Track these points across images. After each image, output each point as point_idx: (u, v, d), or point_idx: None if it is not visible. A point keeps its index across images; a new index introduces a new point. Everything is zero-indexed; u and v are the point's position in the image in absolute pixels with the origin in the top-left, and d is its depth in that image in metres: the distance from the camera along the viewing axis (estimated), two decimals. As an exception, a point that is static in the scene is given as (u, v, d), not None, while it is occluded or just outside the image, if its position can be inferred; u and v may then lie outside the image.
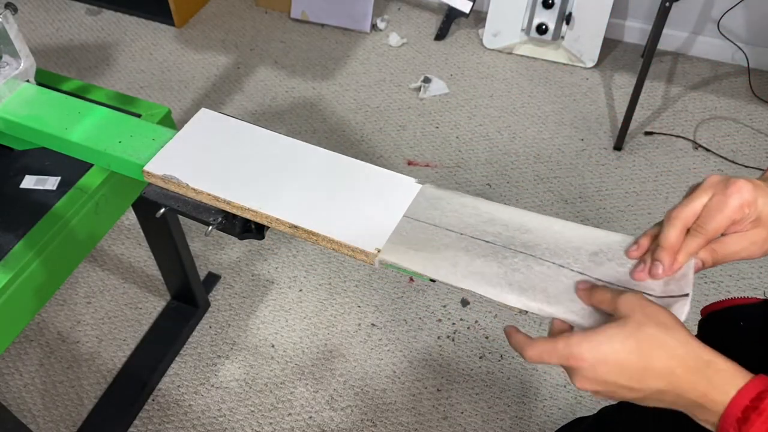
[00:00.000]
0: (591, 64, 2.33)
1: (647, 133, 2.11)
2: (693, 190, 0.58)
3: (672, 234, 0.57)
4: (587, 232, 0.64)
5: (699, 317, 0.83)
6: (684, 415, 0.54)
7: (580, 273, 0.60)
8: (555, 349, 0.53)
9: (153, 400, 1.51)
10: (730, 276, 1.74)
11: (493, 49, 2.41)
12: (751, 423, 0.48)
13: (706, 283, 1.72)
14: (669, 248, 0.57)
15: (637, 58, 2.38)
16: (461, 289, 0.60)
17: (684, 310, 0.55)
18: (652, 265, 0.58)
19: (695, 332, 0.88)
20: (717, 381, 0.50)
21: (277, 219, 0.68)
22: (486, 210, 0.66)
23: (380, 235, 0.66)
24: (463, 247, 0.63)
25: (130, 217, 1.85)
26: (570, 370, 0.53)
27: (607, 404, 1.29)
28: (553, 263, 0.61)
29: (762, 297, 0.81)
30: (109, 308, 1.67)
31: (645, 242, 0.60)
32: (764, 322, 0.76)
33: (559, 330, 0.57)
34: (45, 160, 1.08)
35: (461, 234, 0.64)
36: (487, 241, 0.63)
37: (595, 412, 1.36)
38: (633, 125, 2.10)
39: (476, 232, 0.64)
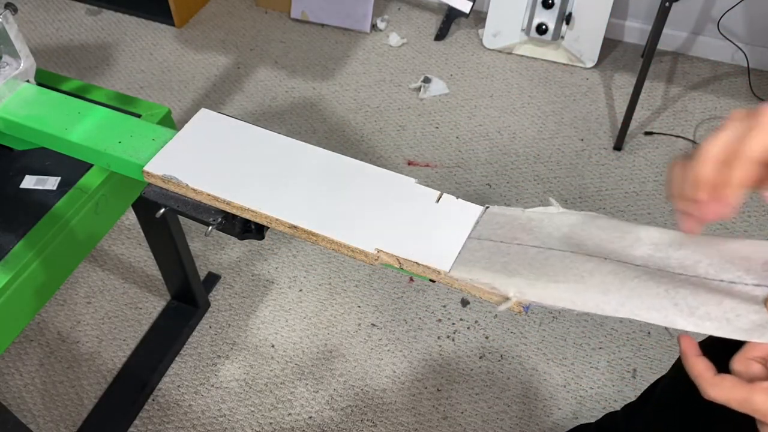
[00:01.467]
0: (591, 64, 2.33)
1: (647, 133, 2.11)
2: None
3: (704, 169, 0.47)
4: (749, 243, 0.53)
5: None
6: (689, 422, 0.52)
7: (757, 285, 0.50)
8: (750, 400, 0.43)
9: (153, 400, 1.51)
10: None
11: (493, 49, 2.41)
12: None
13: None
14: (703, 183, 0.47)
15: (637, 58, 2.38)
16: (619, 318, 0.52)
17: None
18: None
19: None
20: None
21: (277, 219, 0.68)
22: (628, 230, 0.58)
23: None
24: (610, 271, 0.55)
25: (130, 217, 1.85)
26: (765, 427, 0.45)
27: (610, 410, 1.29)
28: (722, 281, 0.51)
29: None
30: (109, 308, 1.67)
31: None
32: None
33: (753, 372, 0.46)
34: (45, 160, 1.08)
35: (605, 258, 0.56)
36: (637, 265, 0.55)
37: (597, 415, 1.37)
38: (633, 125, 2.10)
39: (621, 256, 0.56)
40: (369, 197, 0.70)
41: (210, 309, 1.67)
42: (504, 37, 2.37)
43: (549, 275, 0.57)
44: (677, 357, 0.92)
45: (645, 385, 1.07)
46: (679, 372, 0.90)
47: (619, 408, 1.16)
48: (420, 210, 0.69)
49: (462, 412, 1.50)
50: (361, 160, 0.73)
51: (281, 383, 1.54)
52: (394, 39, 2.43)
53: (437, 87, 2.26)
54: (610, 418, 1.17)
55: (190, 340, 1.61)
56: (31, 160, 1.08)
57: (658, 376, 1.01)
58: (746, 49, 2.28)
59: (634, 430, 1.02)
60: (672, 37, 2.36)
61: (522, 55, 2.39)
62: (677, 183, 0.49)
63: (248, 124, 0.79)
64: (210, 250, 1.80)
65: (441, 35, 2.46)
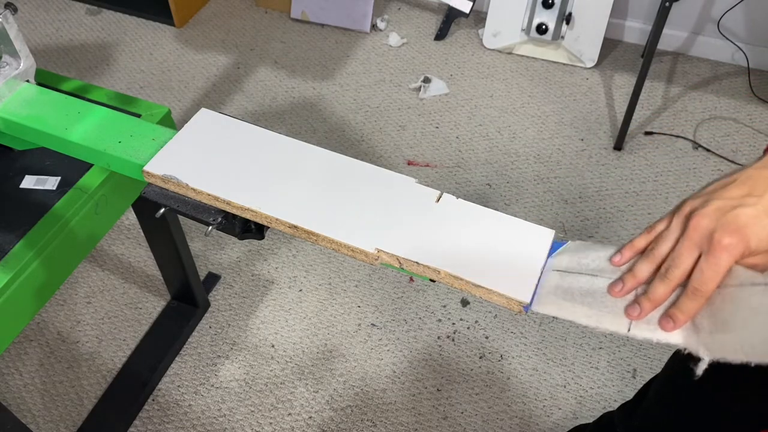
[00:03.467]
0: (591, 64, 2.33)
1: (647, 133, 2.11)
2: (681, 236, 0.54)
3: None
4: None
5: None
6: (683, 419, 0.53)
7: None
8: None
9: (153, 400, 1.51)
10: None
11: (493, 49, 2.41)
12: None
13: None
14: None
15: (637, 58, 2.38)
16: None
17: None
18: None
19: None
20: None
21: (277, 219, 0.68)
22: None
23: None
24: None
25: (130, 217, 1.85)
26: None
27: (609, 410, 1.28)
28: None
29: None
30: (109, 308, 1.67)
31: None
32: None
33: None
34: (45, 160, 1.08)
35: (766, 284, 0.50)
36: None
37: (597, 415, 1.36)
38: (633, 125, 2.10)
39: None
40: (369, 197, 0.70)
41: (210, 309, 1.67)
42: (504, 37, 2.37)
43: (723, 322, 0.51)
44: (671, 355, 0.92)
45: (645, 385, 1.07)
46: (672, 370, 0.90)
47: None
48: (420, 210, 0.69)
49: (462, 412, 1.50)
50: (361, 160, 0.73)
51: (281, 383, 1.54)
52: (394, 39, 2.43)
53: (437, 87, 2.26)
54: (607, 417, 1.17)
55: (190, 340, 1.61)
56: (31, 160, 1.08)
57: (658, 376, 1.01)
58: (746, 49, 2.28)
59: (630, 428, 1.03)
60: (672, 37, 2.36)
61: (522, 55, 2.39)
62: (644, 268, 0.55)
63: (248, 124, 0.79)
64: (210, 250, 1.80)
65: (441, 35, 2.46)
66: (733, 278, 0.52)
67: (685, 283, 0.54)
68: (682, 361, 0.88)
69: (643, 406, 0.97)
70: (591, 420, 1.37)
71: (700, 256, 0.53)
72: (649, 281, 0.56)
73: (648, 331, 0.54)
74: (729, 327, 0.50)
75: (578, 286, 0.59)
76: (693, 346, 0.52)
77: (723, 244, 0.51)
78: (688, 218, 0.54)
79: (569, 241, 0.63)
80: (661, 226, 0.56)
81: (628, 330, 0.55)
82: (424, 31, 2.50)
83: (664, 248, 0.55)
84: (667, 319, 0.53)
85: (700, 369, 0.50)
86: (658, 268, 0.55)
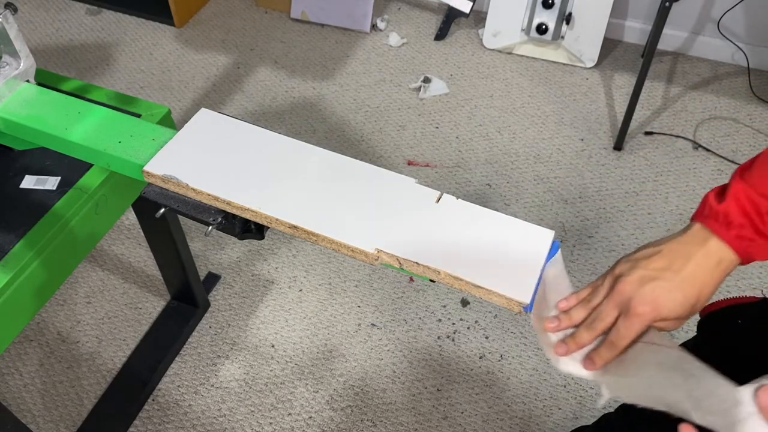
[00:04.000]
0: (591, 64, 2.33)
1: (647, 133, 2.11)
2: (604, 299, 0.62)
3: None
4: None
5: (698, 318, 0.83)
6: (680, 418, 0.54)
7: None
8: None
9: (153, 400, 1.51)
10: (729, 276, 1.73)
11: (493, 49, 2.41)
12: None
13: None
14: None
15: (637, 58, 2.38)
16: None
17: None
18: None
19: (695, 333, 0.88)
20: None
21: (277, 219, 0.68)
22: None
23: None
24: (660, 362, 0.59)
25: (130, 217, 1.85)
26: None
27: (610, 411, 1.28)
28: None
29: (760, 296, 0.82)
30: (109, 308, 1.67)
31: None
32: (762, 321, 0.77)
33: None
34: (45, 160, 1.08)
35: (671, 347, 0.59)
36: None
37: (597, 415, 1.36)
38: (633, 125, 2.10)
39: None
40: (369, 197, 0.70)
41: (210, 309, 1.67)
42: (504, 37, 2.37)
43: (624, 369, 0.60)
44: None
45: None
46: None
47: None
48: (420, 210, 0.69)
49: (462, 412, 1.50)
50: (361, 160, 0.73)
51: (281, 383, 1.54)
52: (394, 39, 2.43)
53: (437, 87, 2.26)
54: (606, 418, 1.17)
55: (190, 340, 1.61)
56: (31, 160, 1.08)
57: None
58: (746, 49, 2.28)
59: (629, 428, 1.03)
60: (672, 37, 2.36)
61: (522, 55, 2.39)
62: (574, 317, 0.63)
63: (248, 124, 0.79)
64: (210, 250, 1.80)
65: (441, 35, 2.46)
66: (642, 335, 0.61)
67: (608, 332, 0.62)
68: None
69: (641, 407, 0.97)
70: (591, 421, 1.37)
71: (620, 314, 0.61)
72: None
73: (572, 366, 0.63)
74: (627, 373, 0.59)
75: (544, 307, 0.65)
76: (599, 382, 0.61)
77: (637, 311, 0.59)
78: (616, 280, 0.62)
79: (559, 250, 0.68)
80: (599, 282, 0.65)
81: (558, 362, 0.63)
82: (424, 31, 2.50)
83: (595, 301, 0.64)
84: (588, 361, 0.62)
85: (599, 403, 0.62)
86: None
